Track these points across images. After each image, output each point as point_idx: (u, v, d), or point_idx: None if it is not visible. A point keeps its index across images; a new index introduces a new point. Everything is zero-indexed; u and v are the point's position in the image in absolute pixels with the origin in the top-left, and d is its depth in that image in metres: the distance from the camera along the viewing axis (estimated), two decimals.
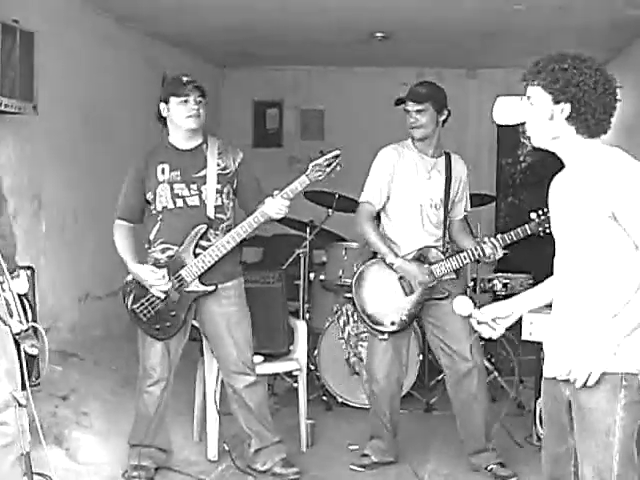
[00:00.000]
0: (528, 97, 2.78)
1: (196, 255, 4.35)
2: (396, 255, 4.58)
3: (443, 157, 4.73)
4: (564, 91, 2.68)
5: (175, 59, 8.66)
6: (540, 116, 2.75)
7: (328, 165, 4.32)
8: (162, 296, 4.35)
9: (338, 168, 4.34)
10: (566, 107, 2.70)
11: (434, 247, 4.66)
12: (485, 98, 9.89)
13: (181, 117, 4.37)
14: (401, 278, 4.63)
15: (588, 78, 2.67)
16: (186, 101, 4.34)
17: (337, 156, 4.33)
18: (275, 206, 4.27)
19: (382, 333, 4.66)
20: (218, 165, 4.44)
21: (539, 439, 5.02)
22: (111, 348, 6.57)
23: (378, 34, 7.86)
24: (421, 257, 4.63)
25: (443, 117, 4.67)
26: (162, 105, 4.42)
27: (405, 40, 8.15)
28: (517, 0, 6.41)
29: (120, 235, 4.46)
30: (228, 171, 4.46)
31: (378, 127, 9.15)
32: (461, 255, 4.60)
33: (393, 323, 4.64)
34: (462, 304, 3.03)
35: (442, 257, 4.64)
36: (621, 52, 8.48)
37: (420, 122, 4.61)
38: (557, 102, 2.71)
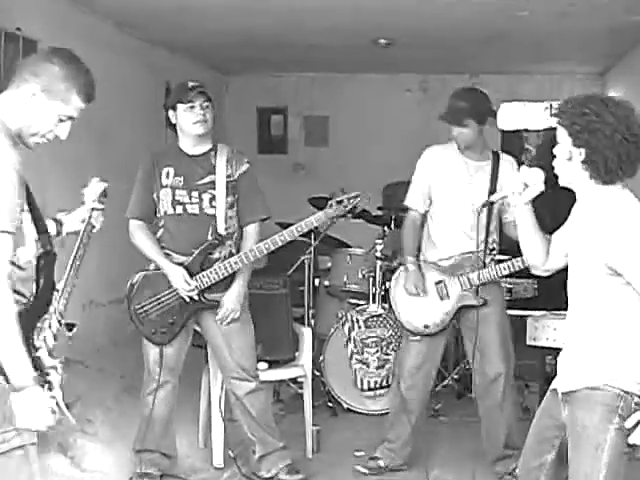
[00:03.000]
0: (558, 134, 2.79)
1: (204, 269, 4.34)
2: (414, 263, 4.60)
3: (490, 160, 4.60)
4: (579, 137, 2.69)
5: (177, 66, 8.67)
6: (561, 155, 2.77)
7: (348, 206, 4.41)
8: (187, 299, 4.34)
9: (357, 209, 4.50)
10: (582, 151, 2.71)
11: (473, 253, 4.51)
12: None
13: (188, 123, 4.36)
14: (437, 283, 4.61)
15: (605, 126, 2.66)
16: (192, 107, 4.33)
17: (357, 197, 4.41)
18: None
19: (414, 335, 4.66)
20: (226, 174, 4.42)
21: None
22: (115, 355, 6.56)
23: (381, 40, 7.87)
24: (457, 267, 4.58)
25: (486, 124, 4.58)
26: (170, 112, 4.42)
27: (408, 46, 8.16)
28: (521, 6, 6.42)
29: (141, 234, 4.41)
30: (232, 179, 4.43)
31: (382, 133, 9.16)
32: (500, 266, 4.52)
33: (427, 326, 4.63)
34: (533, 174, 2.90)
35: (479, 265, 4.53)
36: (624, 57, 8.49)
37: (464, 138, 4.55)
38: (575, 145, 2.72)
